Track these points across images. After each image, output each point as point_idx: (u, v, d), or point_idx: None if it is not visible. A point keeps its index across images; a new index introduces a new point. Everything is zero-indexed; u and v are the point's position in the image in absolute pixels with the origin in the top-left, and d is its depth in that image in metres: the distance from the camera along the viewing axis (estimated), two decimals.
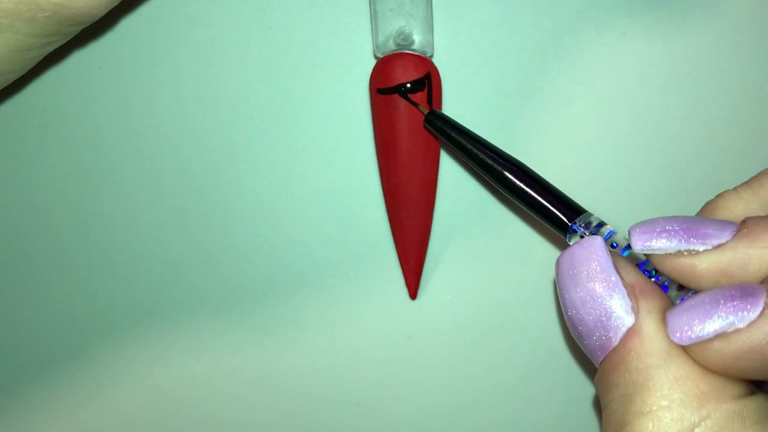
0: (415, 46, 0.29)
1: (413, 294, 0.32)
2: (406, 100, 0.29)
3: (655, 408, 0.20)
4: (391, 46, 0.29)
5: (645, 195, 0.32)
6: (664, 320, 0.21)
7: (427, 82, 0.29)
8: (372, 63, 0.30)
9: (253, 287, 0.33)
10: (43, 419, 0.34)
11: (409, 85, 0.29)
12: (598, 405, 0.28)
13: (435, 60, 0.30)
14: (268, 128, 0.32)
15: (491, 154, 0.27)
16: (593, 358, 0.22)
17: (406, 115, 0.29)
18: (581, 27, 0.31)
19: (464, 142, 0.28)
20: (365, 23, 0.31)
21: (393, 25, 0.29)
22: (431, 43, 0.30)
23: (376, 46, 0.30)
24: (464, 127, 0.28)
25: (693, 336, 0.20)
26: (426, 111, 0.29)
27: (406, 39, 0.29)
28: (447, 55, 0.32)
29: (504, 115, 0.32)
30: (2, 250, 0.33)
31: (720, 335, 0.19)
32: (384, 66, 0.29)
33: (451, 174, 0.32)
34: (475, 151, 0.27)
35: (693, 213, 0.31)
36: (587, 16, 0.31)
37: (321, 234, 0.32)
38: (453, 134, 0.28)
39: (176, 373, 0.33)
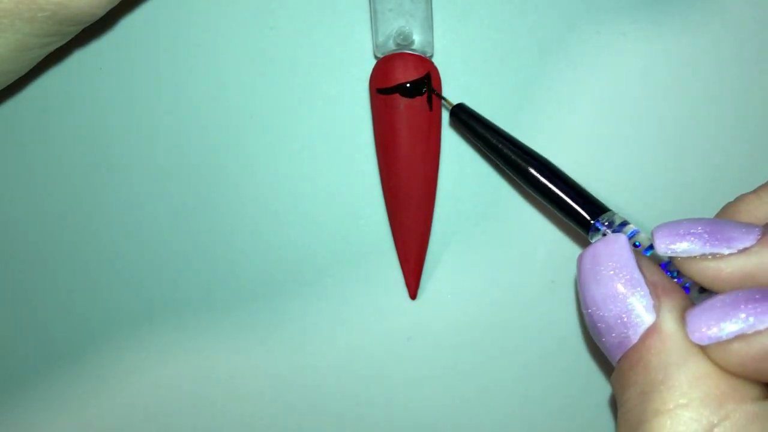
0: (415, 46, 0.29)
1: (413, 294, 0.32)
2: (433, 93, 0.29)
3: (673, 406, 0.19)
4: (391, 46, 0.29)
5: (645, 195, 0.32)
6: (684, 320, 0.20)
7: (427, 82, 0.29)
8: (372, 63, 0.30)
9: (253, 287, 0.33)
10: (47, 419, 0.34)
11: (408, 85, 0.29)
12: (614, 404, 0.28)
13: (435, 60, 0.30)
14: (268, 128, 0.32)
15: (516, 150, 0.27)
16: (611, 356, 0.22)
17: (406, 115, 0.29)
18: (581, 27, 0.31)
19: (489, 137, 0.28)
20: (365, 23, 0.31)
21: (393, 25, 0.29)
22: (431, 43, 0.30)
23: (376, 46, 0.30)
24: (490, 121, 0.28)
25: (712, 336, 0.20)
26: (451, 105, 0.29)
27: (406, 39, 0.29)
28: (447, 55, 0.32)
29: (504, 115, 0.32)
30: (3, 250, 0.33)
31: (740, 336, 0.19)
32: (384, 66, 0.29)
33: (451, 174, 0.32)
34: (500, 146, 0.27)
35: (693, 213, 0.31)
36: (587, 16, 0.31)
37: (321, 234, 0.32)
38: (479, 129, 0.28)
39: (177, 372, 0.33)
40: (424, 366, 0.33)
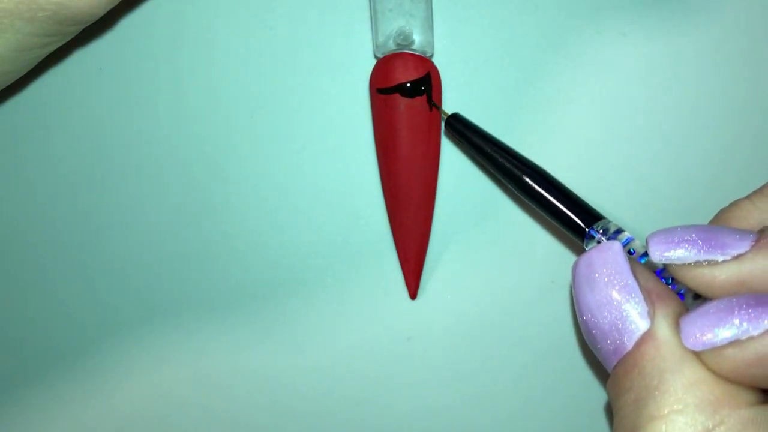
0: (415, 46, 0.30)
1: (413, 294, 0.32)
2: (430, 103, 0.29)
3: (668, 411, 0.20)
4: (391, 46, 0.30)
5: (645, 195, 0.32)
6: (678, 326, 0.21)
7: (426, 84, 0.29)
8: (372, 63, 0.30)
9: (253, 287, 0.33)
10: (45, 419, 0.34)
11: (408, 85, 0.29)
12: (610, 411, 0.28)
13: (435, 60, 0.30)
14: (268, 128, 0.32)
15: (511, 159, 0.27)
16: (606, 363, 0.22)
17: (406, 115, 0.29)
18: (581, 27, 0.31)
19: (484, 147, 0.28)
20: (365, 23, 0.31)
21: (393, 25, 0.29)
22: (431, 43, 0.30)
23: (376, 46, 0.30)
24: (485, 131, 0.28)
25: (706, 342, 0.20)
26: (447, 114, 0.29)
27: (406, 39, 0.29)
28: (447, 55, 0.32)
29: (504, 115, 0.32)
30: (2, 250, 0.33)
31: (733, 342, 0.19)
32: (384, 66, 0.29)
33: (451, 174, 0.32)
34: (495, 155, 0.28)
35: (693, 214, 0.31)
36: (587, 16, 0.31)
37: (321, 234, 0.32)
38: (473, 138, 0.28)
39: (177, 373, 0.33)
40: (424, 366, 0.33)
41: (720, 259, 0.21)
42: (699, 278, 0.21)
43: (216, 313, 0.33)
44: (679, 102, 0.32)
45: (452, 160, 0.32)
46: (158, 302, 0.33)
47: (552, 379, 0.33)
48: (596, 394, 0.32)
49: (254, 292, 0.33)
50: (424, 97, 0.29)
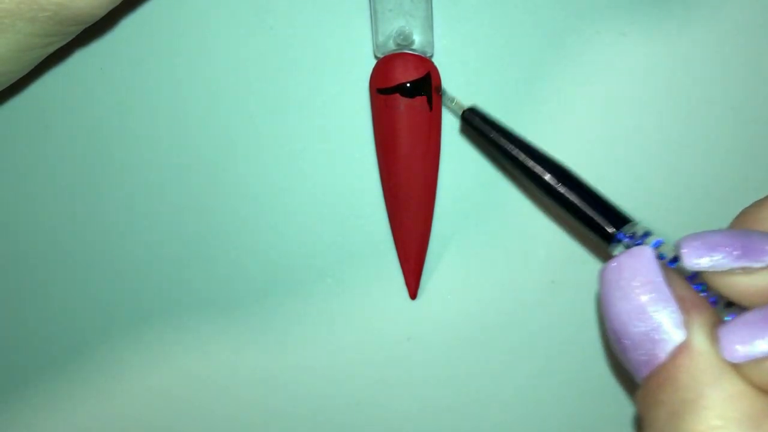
0: (415, 46, 0.30)
1: (413, 294, 0.32)
2: (440, 97, 0.29)
3: (706, 427, 0.19)
4: (391, 46, 0.30)
5: (646, 196, 0.32)
6: (715, 336, 0.20)
7: (433, 84, 0.29)
8: (372, 63, 0.30)
9: (253, 287, 0.33)
10: (44, 420, 0.34)
11: (408, 85, 0.29)
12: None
13: (435, 60, 0.30)
14: (268, 128, 0.32)
15: (533, 156, 0.25)
16: (636, 373, 0.21)
17: (406, 115, 0.29)
18: (581, 27, 0.31)
19: (504, 143, 0.26)
20: (365, 23, 0.31)
21: (393, 25, 0.29)
22: (431, 43, 0.30)
23: (376, 46, 0.30)
24: (504, 125, 0.26)
25: (746, 354, 0.19)
26: (464, 107, 0.27)
27: (406, 39, 0.29)
28: (447, 55, 0.32)
29: (504, 115, 0.32)
30: (2, 250, 0.33)
31: None
32: (384, 66, 0.30)
33: (451, 174, 0.32)
34: (516, 152, 0.26)
35: (693, 213, 0.31)
36: (587, 16, 0.31)
37: (321, 234, 0.32)
38: (492, 133, 0.26)
39: (176, 373, 0.33)
40: (424, 366, 0.33)
41: (756, 266, 0.20)
42: (734, 286, 0.20)
43: (215, 313, 0.33)
44: (679, 102, 0.32)
45: (452, 160, 0.32)
46: (158, 302, 0.33)
47: (552, 378, 0.33)
48: (596, 392, 0.32)
49: (254, 292, 0.33)
50: (424, 97, 0.29)
